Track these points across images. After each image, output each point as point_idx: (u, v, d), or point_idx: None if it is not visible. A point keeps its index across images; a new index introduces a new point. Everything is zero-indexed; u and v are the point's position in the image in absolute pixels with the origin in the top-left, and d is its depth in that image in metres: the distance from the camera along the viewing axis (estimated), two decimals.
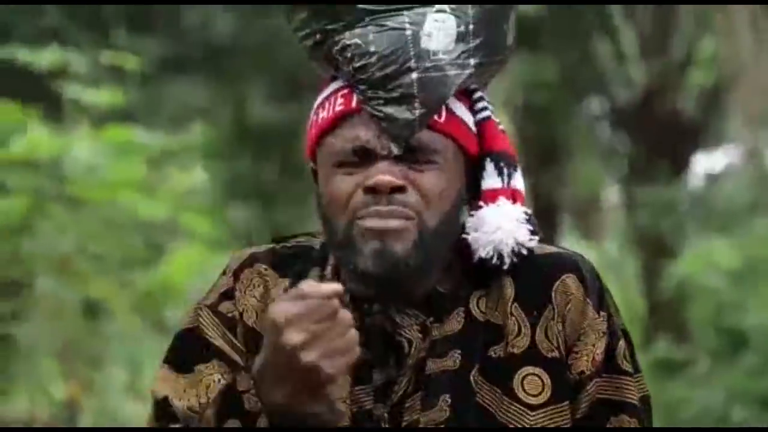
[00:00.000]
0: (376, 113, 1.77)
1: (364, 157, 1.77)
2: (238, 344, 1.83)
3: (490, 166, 1.82)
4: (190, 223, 8.93)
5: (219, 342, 1.84)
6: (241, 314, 1.84)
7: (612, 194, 16.58)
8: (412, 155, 1.77)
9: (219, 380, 1.81)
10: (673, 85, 11.02)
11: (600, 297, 1.82)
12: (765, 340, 8.03)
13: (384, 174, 1.75)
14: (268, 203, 13.70)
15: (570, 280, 1.81)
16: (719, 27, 10.46)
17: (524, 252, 1.79)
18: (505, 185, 1.81)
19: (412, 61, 1.76)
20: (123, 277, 8.18)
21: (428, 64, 1.77)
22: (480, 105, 1.83)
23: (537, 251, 1.81)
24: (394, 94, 1.76)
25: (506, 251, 1.79)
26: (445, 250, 1.79)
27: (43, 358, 7.78)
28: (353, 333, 1.65)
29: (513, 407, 1.78)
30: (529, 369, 1.79)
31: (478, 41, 1.78)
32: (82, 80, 7.24)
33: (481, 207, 1.81)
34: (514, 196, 1.81)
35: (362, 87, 1.78)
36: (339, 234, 1.78)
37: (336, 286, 1.65)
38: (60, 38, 7.62)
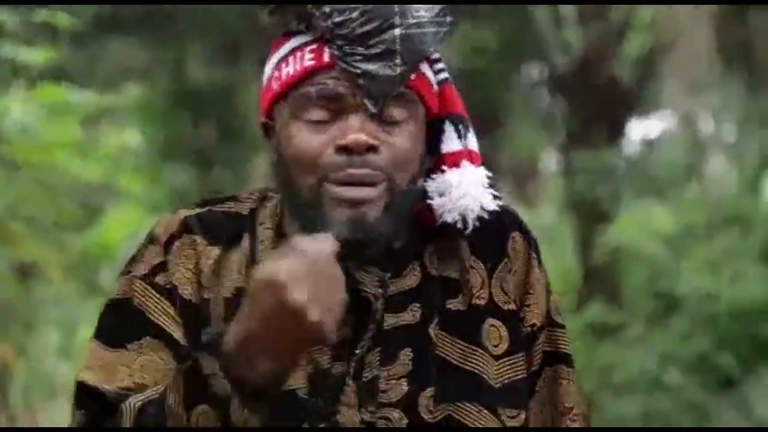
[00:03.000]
0: (354, 69, 1.73)
1: (334, 111, 1.73)
2: (177, 318, 1.76)
3: (449, 128, 1.80)
4: (126, 185, 8.86)
5: (156, 317, 1.77)
6: (175, 287, 1.77)
7: (550, 160, 16.66)
8: (384, 113, 1.74)
9: (152, 360, 1.74)
10: (611, 51, 11.06)
11: (538, 252, 1.86)
12: (696, 304, 8.12)
13: (359, 133, 1.71)
14: (205, 165, 13.63)
15: (518, 236, 1.84)
16: None
17: (486, 216, 1.79)
18: (464, 147, 1.80)
19: (396, 17, 1.73)
20: (57, 239, 8.10)
21: (411, 21, 1.74)
22: (438, 66, 1.82)
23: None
24: (375, 51, 1.73)
25: (471, 216, 1.78)
26: (411, 212, 1.78)
27: None
28: (343, 289, 1.62)
29: (481, 358, 1.79)
30: (491, 321, 1.81)
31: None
32: (16, 39, 7.13)
33: (443, 170, 1.79)
34: (471, 156, 1.80)
35: (339, 43, 1.73)
36: (305, 195, 1.73)
37: (334, 243, 1.62)
38: None
